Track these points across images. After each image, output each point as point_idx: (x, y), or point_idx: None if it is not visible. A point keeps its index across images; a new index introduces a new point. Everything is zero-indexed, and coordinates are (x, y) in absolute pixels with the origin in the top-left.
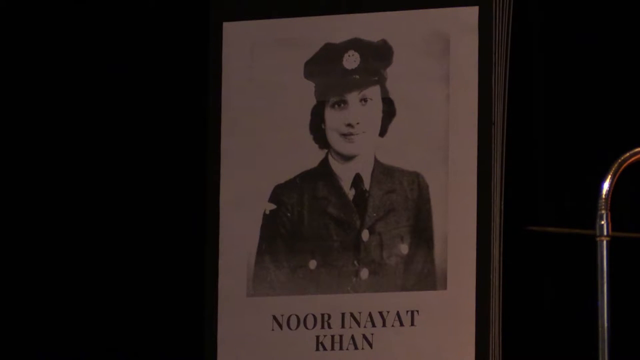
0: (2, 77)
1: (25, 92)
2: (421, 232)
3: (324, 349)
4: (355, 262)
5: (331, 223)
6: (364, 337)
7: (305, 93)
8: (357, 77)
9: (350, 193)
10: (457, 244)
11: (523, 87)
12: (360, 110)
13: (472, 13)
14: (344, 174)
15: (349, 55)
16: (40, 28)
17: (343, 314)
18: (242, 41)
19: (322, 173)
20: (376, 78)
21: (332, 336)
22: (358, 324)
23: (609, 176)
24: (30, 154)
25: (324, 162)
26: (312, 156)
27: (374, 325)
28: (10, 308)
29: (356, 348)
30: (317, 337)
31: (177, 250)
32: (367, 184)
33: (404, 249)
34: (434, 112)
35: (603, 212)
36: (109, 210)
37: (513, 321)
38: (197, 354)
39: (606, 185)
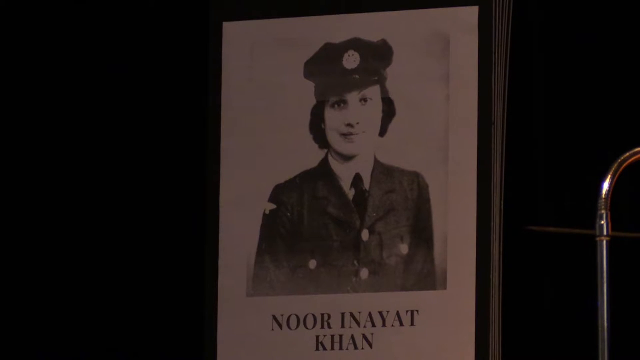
0: (2, 77)
1: (25, 92)
2: (421, 232)
3: (324, 349)
4: (355, 262)
5: (331, 223)
6: (364, 337)
7: (305, 93)
8: (357, 77)
9: (350, 193)
10: (457, 244)
11: (523, 87)
12: (360, 110)
13: (472, 13)
14: (344, 174)
15: (349, 55)
16: (40, 28)
17: (343, 314)
18: (242, 41)
19: (322, 173)
20: (376, 78)
21: (332, 336)
22: (358, 324)
23: (609, 176)
24: (30, 154)
25: (324, 162)
26: (312, 156)
27: (374, 325)
28: (10, 308)
29: (356, 348)
30: (317, 337)
31: (177, 250)
32: (367, 184)
33: (404, 249)
34: (434, 112)
35: (603, 212)
36: (109, 210)
37: (513, 321)
38: (197, 354)
39: (606, 185)
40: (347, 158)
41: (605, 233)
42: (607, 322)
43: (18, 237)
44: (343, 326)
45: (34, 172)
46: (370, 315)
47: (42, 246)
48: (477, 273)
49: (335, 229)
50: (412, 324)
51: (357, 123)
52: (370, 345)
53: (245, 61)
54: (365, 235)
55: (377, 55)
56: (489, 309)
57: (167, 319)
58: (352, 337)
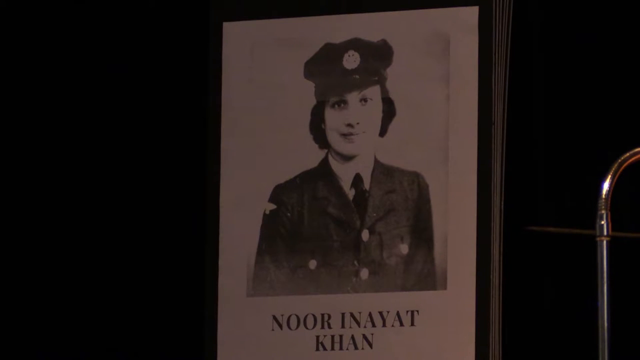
0: (2, 77)
1: (25, 92)
2: (421, 232)
3: (324, 349)
4: (355, 262)
5: (331, 223)
6: (364, 337)
7: (305, 93)
8: (357, 77)
9: (350, 193)
10: (457, 244)
11: (523, 87)
12: (360, 110)
13: (472, 13)
14: (344, 174)
15: (349, 55)
16: (40, 28)
17: (343, 314)
18: (242, 41)
19: (322, 173)
20: (376, 78)
21: (332, 336)
22: (358, 324)
23: (609, 176)
24: (30, 154)
25: (324, 162)
26: (312, 156)
27: (374, 325)
28: (10, 308)
29: (356, 348)
30: (317, 337)
31: (177, 250)
32: (367, 184)
33: (404, 249)
34: (434, 112)
35: (603, 212)
36: (109, 210)
37: (513, 321)
38: (197, 354)
39: (606, 185)
40: (347, 158)
41: (605, 233)
42: (607, 322)
43: (18, 237)
44: (343, 326)
45: (34, 172)
46: (370, 315)
47: (42, 246)
48: (477, 273)
49: (335, 229)
50: (412, 324)
51: (357, 123)
52: (370, 345)
53: (245, 61)
54: (365, 235)
55: (377, 55)
56: (489, 309)
57: (167, 319)
58: (352, 337)
